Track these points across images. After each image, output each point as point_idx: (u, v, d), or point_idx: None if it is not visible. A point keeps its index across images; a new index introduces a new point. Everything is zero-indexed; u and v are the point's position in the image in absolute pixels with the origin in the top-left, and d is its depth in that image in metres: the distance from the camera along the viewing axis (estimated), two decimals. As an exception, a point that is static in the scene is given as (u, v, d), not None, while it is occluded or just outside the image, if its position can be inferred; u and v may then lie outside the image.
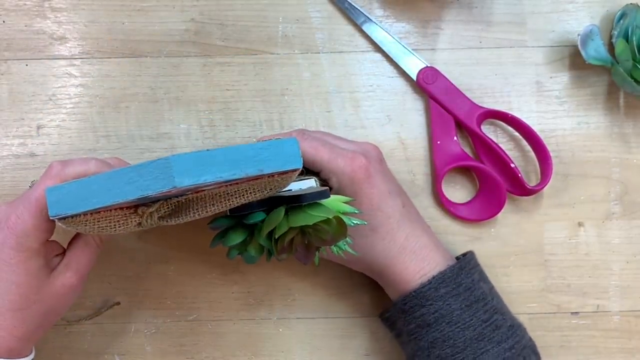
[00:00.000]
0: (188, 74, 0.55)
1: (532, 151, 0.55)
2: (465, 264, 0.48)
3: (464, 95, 0.54)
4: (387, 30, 0.55)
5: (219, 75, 0.55)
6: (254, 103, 0.55)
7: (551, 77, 0.56)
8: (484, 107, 0.54)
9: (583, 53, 0.53)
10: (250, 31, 0.55)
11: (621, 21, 0.54)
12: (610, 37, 0.55)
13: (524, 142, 0.55)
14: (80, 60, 0.55)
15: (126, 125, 0.55)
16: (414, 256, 0.47)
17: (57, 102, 0.55)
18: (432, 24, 0.56)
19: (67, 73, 0.55)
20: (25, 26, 0.55)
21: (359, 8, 0.55)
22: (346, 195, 0.45)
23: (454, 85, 0.54)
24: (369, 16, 0.55)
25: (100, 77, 0.55)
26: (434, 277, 0.46)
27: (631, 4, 0.54)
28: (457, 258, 0.50)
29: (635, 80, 0.52)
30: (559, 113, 0.56)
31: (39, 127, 0.55)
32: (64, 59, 0.55)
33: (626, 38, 0.53)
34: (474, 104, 0.54)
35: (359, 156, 0.46)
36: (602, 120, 0.56)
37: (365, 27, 0.55)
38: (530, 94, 0.56)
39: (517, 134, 0.55)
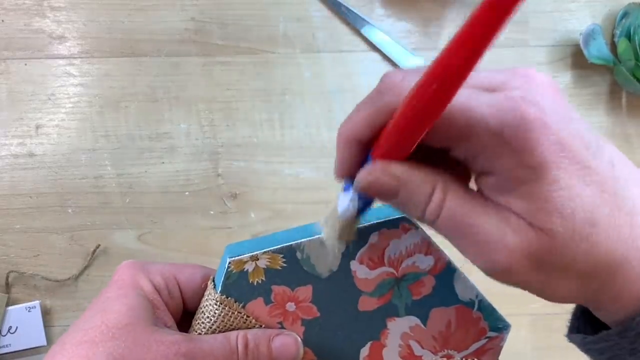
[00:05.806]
0: (188, 74, 0.54)
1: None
2: None
3: (466, 94, 0.54)
4: (387, 31, 0.55)
5: (219, 75, 0.55)
6: (254, 102, 0.55)
7: (553, 77, 0.56)
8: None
9: (585, 52, 0.53)
10: (251, 30, 0.55)
11: (623, 20, 0.54)
12: (613, 36, 0.55)
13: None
14: (79, 59, 0.54)
15: (126, 125, 0.54)
16: None
17: (56, 102, 0.54)
18: (434, 23, 0.55)
19: (66, 72, 0.54)
20: (25, 25, 0.54)
21: (356, 12, 0.54)
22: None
23: (456, 85, 0.54)
24: (368, 20, 0.54)
25: (100, 76, 0.54)
26: None
27: (633, 3, 0.54)
28: None
29: (638, 80, 0.52)
30: (561, 113, 0.55)
31: (38, 127, 0.54)
32: (63, 58, 0.54)
33: (628, 37, 0.53)
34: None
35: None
36: (604, 120, 0.56)
37: (364, 31, 0.55)
38: (532, 93, 0.55)
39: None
